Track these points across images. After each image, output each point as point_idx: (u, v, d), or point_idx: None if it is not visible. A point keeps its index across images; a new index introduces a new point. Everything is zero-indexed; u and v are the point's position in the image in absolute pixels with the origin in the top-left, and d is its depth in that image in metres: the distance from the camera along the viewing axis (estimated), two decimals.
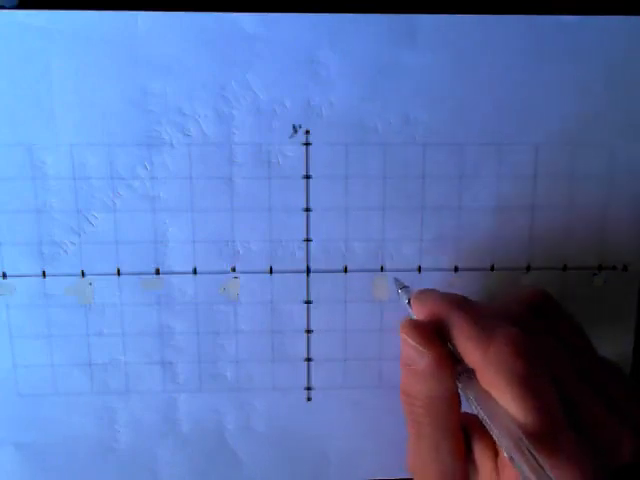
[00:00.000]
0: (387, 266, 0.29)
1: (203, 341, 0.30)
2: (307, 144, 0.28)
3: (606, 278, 0.30)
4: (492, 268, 0.30)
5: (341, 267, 0.29)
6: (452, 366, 0.22)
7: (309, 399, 0.30)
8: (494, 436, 0.20)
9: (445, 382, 0.22)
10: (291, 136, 0.28)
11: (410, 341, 0.22)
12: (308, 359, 0.30)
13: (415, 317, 0.24)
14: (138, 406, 0.30)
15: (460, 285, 0.29)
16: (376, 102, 0.28)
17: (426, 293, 0.24)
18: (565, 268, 0.30)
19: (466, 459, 0.22)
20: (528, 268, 0.30)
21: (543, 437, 0.19)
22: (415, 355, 0.22)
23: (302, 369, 0.30)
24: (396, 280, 0.28)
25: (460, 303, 0.23)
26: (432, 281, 0.29)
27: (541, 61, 0.28)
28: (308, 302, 0.30)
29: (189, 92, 0.27)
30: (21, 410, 0.30)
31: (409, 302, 0.25)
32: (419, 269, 0.29)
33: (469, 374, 0.21)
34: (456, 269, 0.29)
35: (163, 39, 0.27)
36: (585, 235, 0.30)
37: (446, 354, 0.22)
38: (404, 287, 0.27)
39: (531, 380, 0.20)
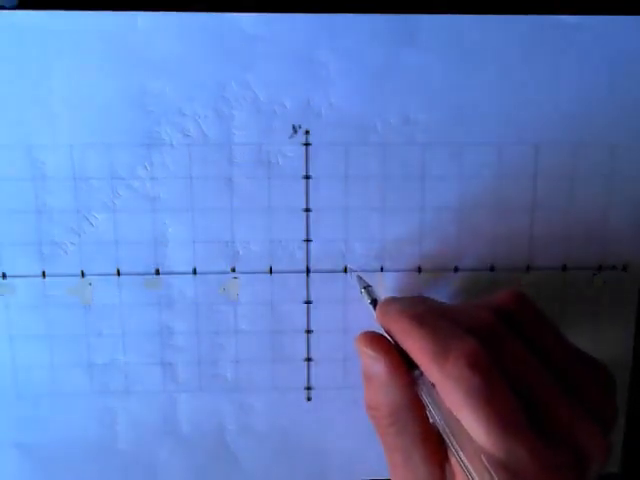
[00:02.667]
0: (387, 266, 0.29)
1: (203, 341, 0.30)
2: (307, 144, 0.28)
3: (606, 278, 0.30)
4: (492, 268, 0.30)
5: (341, 267, 0.29)
6: (408, 372, 0.22)
7: (309, 399, 0.30)
8: (452, 450, 0.20)
9: (403, 389, 0.22)
10: (291, 136, 0.28)
11: (365, 350, 0.23)
12: (308, 359, 0.30)
13: (377, 317, 0.25)
14: (138, 406, 0.30)
15: (460, 285, 0.29)
16: (376, 102, 0.28)
17: (389, 305, 0.24)
18: (565, 268, 0.30)
19: (443, 465, 0.22)
20: (528, 268, 0.30)
21: (502, 453, 0.19)
22: (372, 364, 0.23)
23: (302, 369, 0.30)
24: (359, 279, 0.28)
25: (420, 318, 0.22)
26: (432, 281, 0.29)
27: (541, 61, 0.28)
28: (308, 302, 0.30)
29: (189, 92, 0.27)
30: (21, 410, 0.30)
31: (372, 303, 0.26)
32: (419, 269, 0.29)
33: (425, 379, 0.22)
34: (456, 269, 0.29)
35: (163, 39, 0.27)
36: (585, 235, 0.30)
37: (401, 361, 0.23)
38: (367, 287, 0.27)
39: (489, 394, 0.19)
